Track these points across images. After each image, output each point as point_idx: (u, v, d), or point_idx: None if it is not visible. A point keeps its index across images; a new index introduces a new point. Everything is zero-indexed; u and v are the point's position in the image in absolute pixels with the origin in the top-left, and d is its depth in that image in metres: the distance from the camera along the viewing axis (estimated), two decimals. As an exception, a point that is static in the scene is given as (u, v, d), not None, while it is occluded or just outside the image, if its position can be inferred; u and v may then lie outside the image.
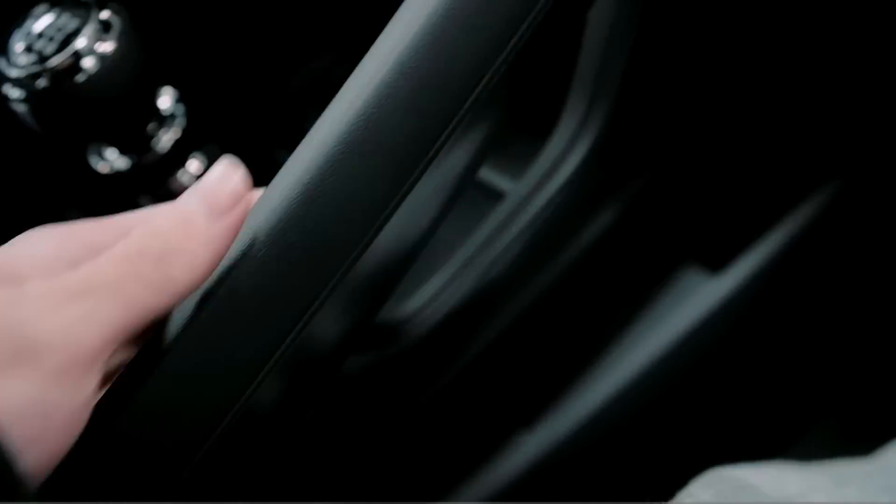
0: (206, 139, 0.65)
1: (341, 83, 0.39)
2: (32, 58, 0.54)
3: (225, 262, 0.36)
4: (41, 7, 0.55)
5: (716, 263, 0.74)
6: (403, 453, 0.69)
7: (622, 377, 0.74)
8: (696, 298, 0.75)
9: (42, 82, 0.53)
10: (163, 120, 0.62)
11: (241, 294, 0.36)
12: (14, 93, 0.54)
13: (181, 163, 0.64)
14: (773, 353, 0.81)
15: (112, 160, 0.62)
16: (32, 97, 0.54)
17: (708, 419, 0.82)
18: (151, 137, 0.61)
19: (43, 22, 0.55)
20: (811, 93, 0.69)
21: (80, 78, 0.53)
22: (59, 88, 0.53)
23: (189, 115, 0.62)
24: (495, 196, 0.67)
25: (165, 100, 0.62)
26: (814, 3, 0.62)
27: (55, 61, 0.53)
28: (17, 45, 0.54)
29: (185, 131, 0.62)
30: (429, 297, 0.60)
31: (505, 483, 0.71)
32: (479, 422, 0.70)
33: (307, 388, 0.47)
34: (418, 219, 0.48)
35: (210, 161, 0.65)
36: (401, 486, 0.70)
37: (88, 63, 0.54)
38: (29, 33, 0.55)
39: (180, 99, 0.63)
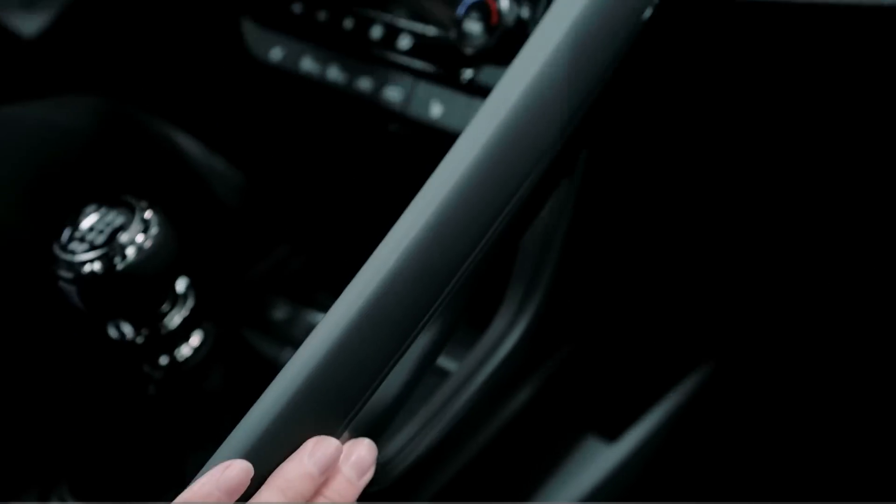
0: (204, 318, 0.78)
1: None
2: (84, 246, 0.67)
3: None
4: (91, 207, 0.69)
5: (613, 433, 0.89)
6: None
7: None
8: (595, 465, 0.89)
9: (92, 266, 0.66)
10: (176, 300, 0.74)
11: None
12: (66, 274, 0.67)
13: (185, 337, 0.76)
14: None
15: (127, 332, 0.74)
16: (82, 279, 0.67)
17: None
18: (164, 315, 0.74)
19: (92, 219, 0.68)
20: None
21: (123, 264, 0.67)
22: (105, 272, 0.66)
23: (197, 297, 0.75)
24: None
25: (181, 283, 0.75)
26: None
27: (104, 250, 0.66)
28: (72, 234, 0.68)
29: (192, 311, 0.75)
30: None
31: None
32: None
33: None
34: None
35: (206, 336, 0.77)
36: None
37: (130, 252, 0.67)
38: (80, 228, 0.68)
39: (191, 284, 0.76)
